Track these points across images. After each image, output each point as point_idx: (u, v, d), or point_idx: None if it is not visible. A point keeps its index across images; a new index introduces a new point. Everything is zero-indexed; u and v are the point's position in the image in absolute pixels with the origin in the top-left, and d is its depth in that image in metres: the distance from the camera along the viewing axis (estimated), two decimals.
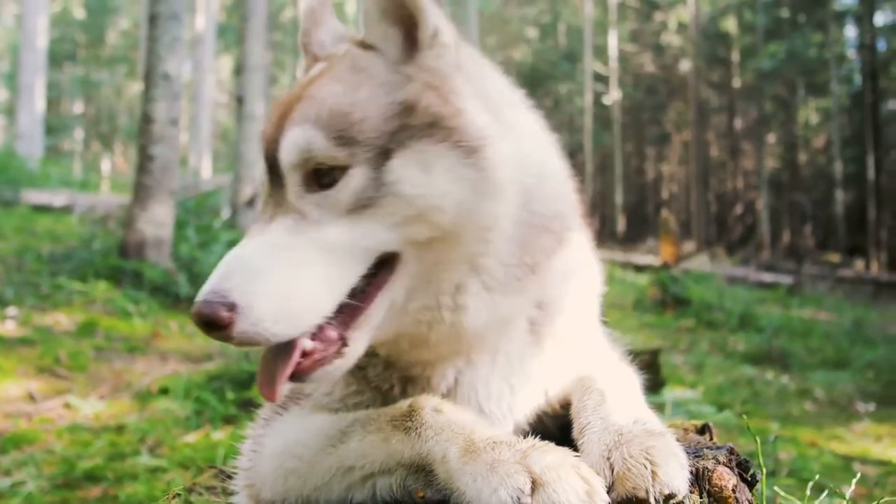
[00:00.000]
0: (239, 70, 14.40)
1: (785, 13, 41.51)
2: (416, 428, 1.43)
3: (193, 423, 5.36)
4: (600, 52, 45.72)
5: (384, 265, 1.45)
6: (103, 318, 7.87)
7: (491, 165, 1.44)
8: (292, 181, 1.44)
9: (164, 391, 6.00)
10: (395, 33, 1.52)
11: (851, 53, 41.93)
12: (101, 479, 4.41)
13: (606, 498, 1.24)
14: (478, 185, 1.42)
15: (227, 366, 6.44)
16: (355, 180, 1.40)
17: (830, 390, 10.18)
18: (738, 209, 46.43)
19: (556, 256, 1.59)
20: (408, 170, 1.40)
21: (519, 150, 1.52)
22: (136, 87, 44.38)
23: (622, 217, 46.74)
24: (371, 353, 1.61)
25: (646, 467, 1.26)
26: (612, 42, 44.44)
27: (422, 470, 1.42)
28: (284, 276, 1.36)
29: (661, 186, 53.33)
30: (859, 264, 33.70)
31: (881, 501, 1.74)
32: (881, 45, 37.95)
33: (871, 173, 35.16)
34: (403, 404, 1.53)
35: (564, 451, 1.30)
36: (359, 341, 1.45)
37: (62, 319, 7.71)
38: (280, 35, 46.28)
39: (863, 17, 37.39)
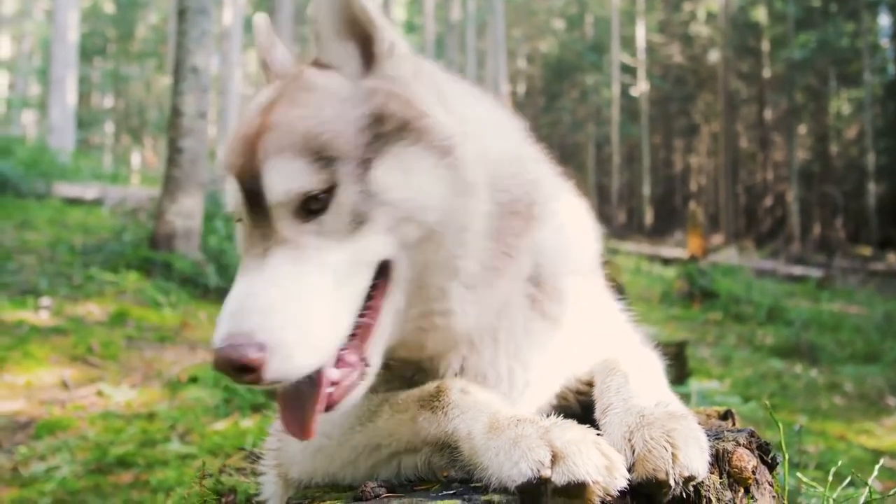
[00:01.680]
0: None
1: (816, 2, 40.80)
2: (443, 407, 1.48)
3: (222, 410, 5.44)
4: (628, 43, 45.35)
5: (380, 275, 1.47)
6: (134, 309, 8.01)
7: (463, 165, 1.49)
8: (281, 214, 1.42)
9: (193, 380, 6.10)
10: (352, 50, 1.56)
11: (885, 42, 41.11)
12: (132, 464, 4.50)
13: (626, 473, 1.26)
14: (454, 185, 1.47)
15: None
16: (345, 197, 1.41)
17: (860, 384, 10.07)
18: (768, 201, 45.85)
19: (530, 233, 1.63)
20: (390, 175, 1.43)
21: (482, 147, 1.57)
22: (165, 82, 44.84)
23: (650, 209, 46.38)
24: None
25: (666, 450, 1.28)
26: (640, 33, 44.07)
27: (447, 447, 1.46)
28: (301, 308, 1.34)
29: (690, 178, 52.80)
30: (892, 257, 33.11)
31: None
32: None
33: None
34: (431, 386, 1.57)
35: (586, 429, 1.33)
36: (376, 356, 1.49)
37: (94, 309, 7.84)
38: (307, 29, 46.50)
39: None
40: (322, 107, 1.48)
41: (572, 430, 1.30)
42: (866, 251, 34.08)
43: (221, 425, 5.18)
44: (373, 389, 1.69)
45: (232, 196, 1.50)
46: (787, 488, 1.68)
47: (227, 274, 9.66)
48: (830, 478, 1.76)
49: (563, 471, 1.22)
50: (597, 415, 1.51)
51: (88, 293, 8.38)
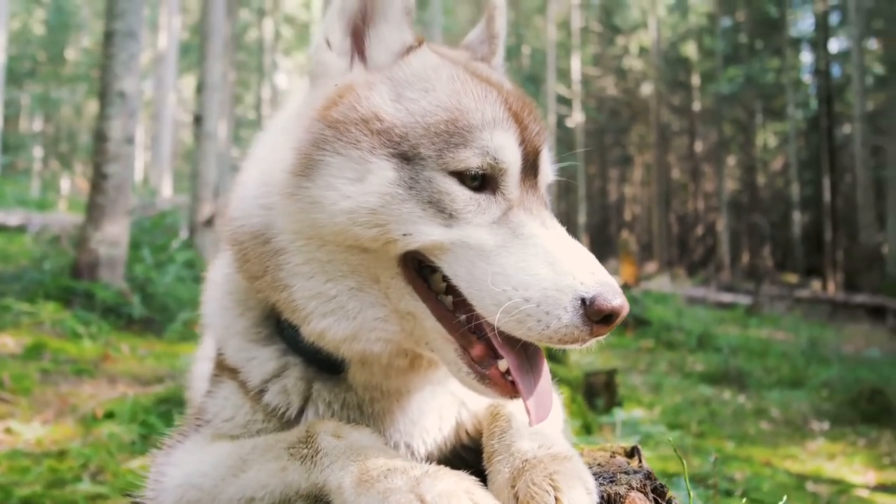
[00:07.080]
0: (200, 89, 14.24)
1: (743, 38, 42.42)
2: (312, 456, 1.39)
3: (139, 447, 5.20)
4: (563, 75, 46.21)
5: None
6: (52, 340, 7.67)
7: None
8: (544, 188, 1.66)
9: (109, 415, 5.83)
10: None
11: (807, 79, 42.98)
12: None
13: None
14: None
15: (177, 388, 6.29)
16: None
17: (786, 409, 10.29)
18: (699, 230, 47.05)
19: None
20: None
21: None
22: (96, 106, 43.75)
23: (586, 238, 47.01)
24: (272, 378, 1.58)
25: (549, 493, 1.22)
26: (576, 65, 44.95)
27: (320, 501, 1.37)
28: None
29: (624, 208, 53.86)
30: (816, 284, 34.26)
31: None
32: (836, 71, 38.94)
33: (826, 195, 35.92)
34: (301, 429, 1.48)
35: (459, 477, 1.26)
36: None
37: (8, 342, 7.49)
38: (244, 55, 46.09)
39: (818, 43, 38.34)
40: None
41: (444, 481, 1.23)
42: (792, 278, 35.19)
43: (137, 463, 4.95)
44: (245, 428, 1.60)
45: (503, 145, 1.55)
46: None
47: (153, 304, 9.36)
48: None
49: None
50: (484, 462, 1.44)
51: (3, 325, 8.00)
